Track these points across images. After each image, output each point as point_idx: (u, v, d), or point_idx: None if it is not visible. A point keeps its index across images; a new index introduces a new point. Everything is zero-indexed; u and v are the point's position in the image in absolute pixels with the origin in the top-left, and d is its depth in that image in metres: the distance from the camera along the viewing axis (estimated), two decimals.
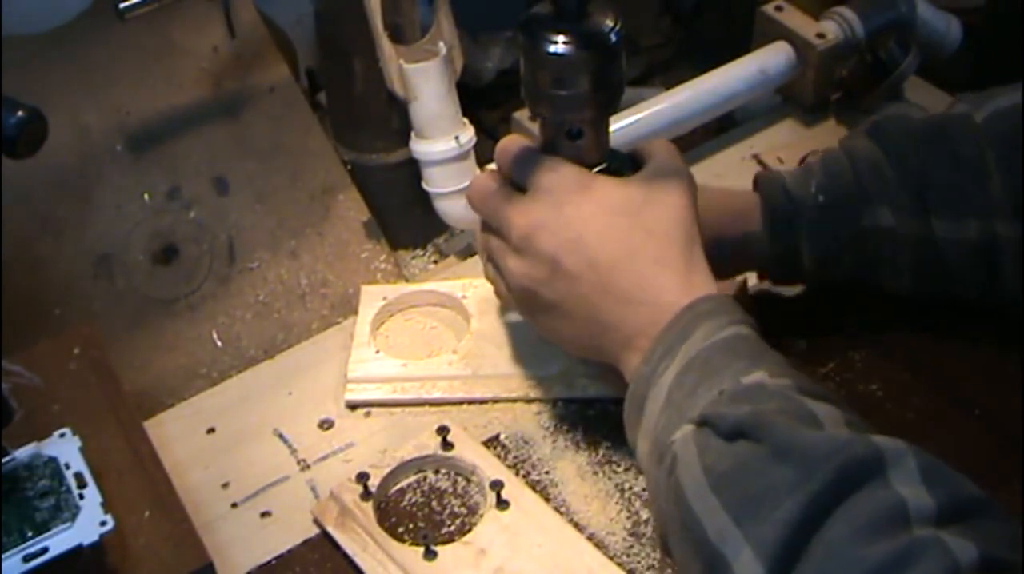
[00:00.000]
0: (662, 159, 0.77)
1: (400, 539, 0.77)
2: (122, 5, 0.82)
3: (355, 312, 0.93)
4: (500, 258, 0.77)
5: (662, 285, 0.71)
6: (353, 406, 0.87)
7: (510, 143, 0.78)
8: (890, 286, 0.85)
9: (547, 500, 0.79)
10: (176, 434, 0.86)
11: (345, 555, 0.76)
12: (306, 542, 0.78)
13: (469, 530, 0.77)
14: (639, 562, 0.75)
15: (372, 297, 0.93)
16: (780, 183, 0.85)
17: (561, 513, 0.78)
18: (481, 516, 0.78)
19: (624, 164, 0.81)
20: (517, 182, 0.76)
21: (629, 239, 0.72)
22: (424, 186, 0.96)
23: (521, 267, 0.74)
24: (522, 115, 1.04)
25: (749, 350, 0.68)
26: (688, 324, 0.69)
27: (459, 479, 0.82)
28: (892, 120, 0.86)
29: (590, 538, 0.76)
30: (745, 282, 0.88)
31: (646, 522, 0.77)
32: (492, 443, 0.84)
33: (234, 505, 0.81)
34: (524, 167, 0.75)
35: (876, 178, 0.82)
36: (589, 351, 0.76)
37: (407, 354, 0.90)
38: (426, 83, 0.91)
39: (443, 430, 0.82)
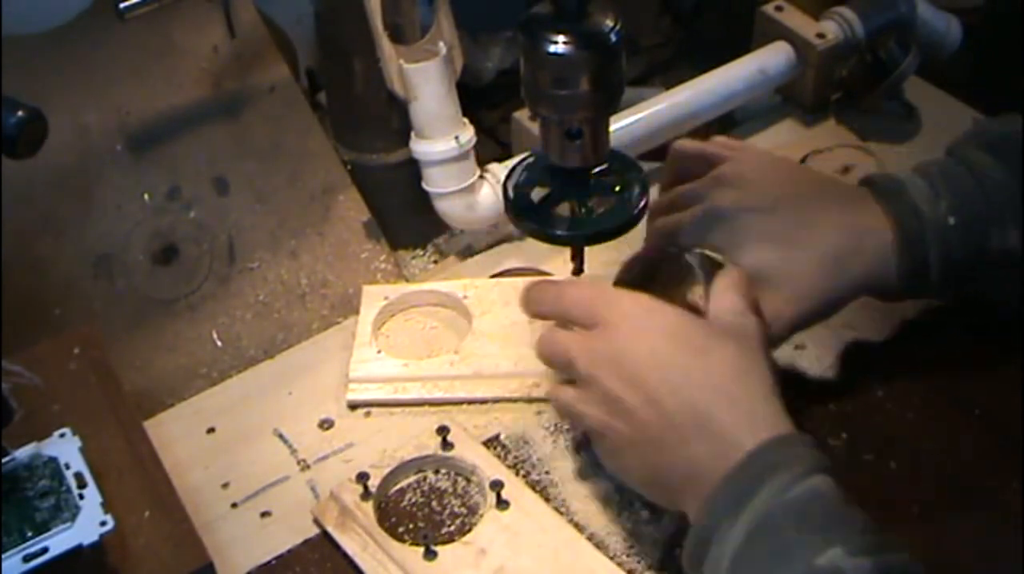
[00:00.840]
0: (731, 299, 0.72)
1: (400, 539, 0.77)
2: (122, 5, 0.82)
3: (355, 312, 0.93)
4: (570, 404, 0.73)
5: (725, 421, 0.66)
6: (354, 406, 0.87)
7: (568, 289, 0.76)
8: (1013, 308, 0.82)
9: (547, 500, 0.79)
10: (176, 434, 0.86)
11: (345, 555, 0.76)
12: (306, 542, 0.78)
13: (469, 530, 0.77)
14: (639, 562, 0.75)
15: (373, 297, 0.93)
16: (909, 202, 0.80)
17: (561, 513, 0.78)
18: (481, 516, 0.78)
19: (627, 166, 0.81)
20: (580, 323, 0.73)
21: (691, 375, 0.67)
22: (424, 186, 0.96)
23: (587, 407, 0.71)
24: (522, 115, 1.04)
25: (824, 515, 0.62)
26: (755, 477, 0.63)
27: (459, 479, 0.82)
28: (1007, 135, 0.82)
29: (590, 538, 0.76)
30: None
31: (646, 522, 0.77)
32: (492, 443, 0.84)
33: (234, 505, 0.81)
34: (584, 306, 0.72)
35: (1009, 198, 0.78)
36: (655, 491, 0.72)
37: (408, 354, 0.90)
38: (426, 83, 0.91)
39: (443, 430, 0.82)
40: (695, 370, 0.68)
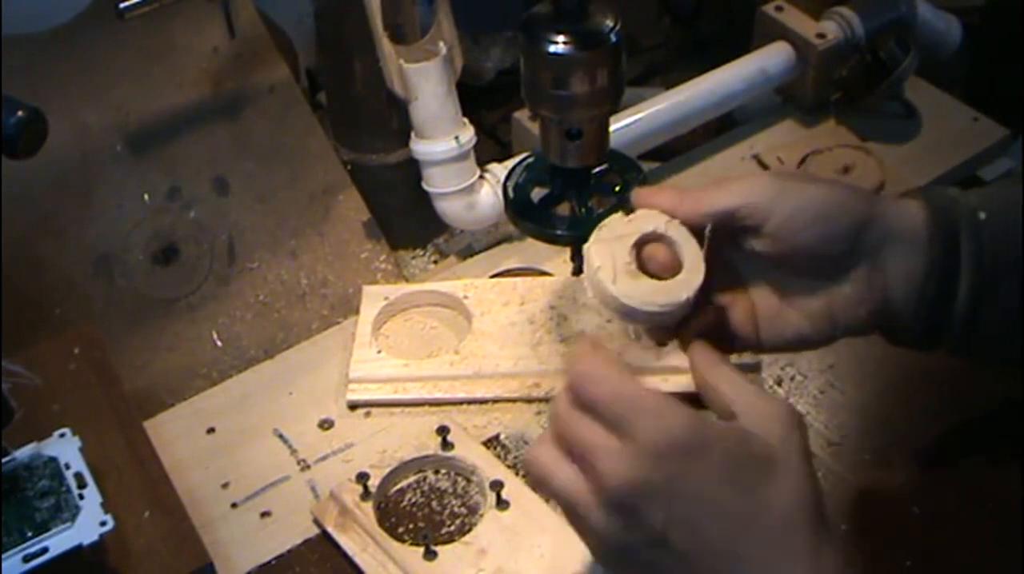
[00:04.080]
0: (774, 415, 0.62)
1: (400, 539, 0.77)
2: (122, 5, 0.82)
3: (355, 312, 0.93)
4: (579, 502, 0.61)
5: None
6: (354, 406, 0.87)
7: (595, 368, 0.61)
8: None
9: (547, 500, 0.79)
10: (176, 434, 0.86)
11: (345, 555, 0.76)
12: (306, 542, 0.78)
13: (469, 530, 0.77)
14: None
15: (374, 297, 0.93)
16: (936, 189, 0.73)
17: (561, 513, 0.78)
18: (481, 516, 0.78)
19: (627, 166, 0.81)
20: (606, 418, 0.61)
21: (748, 517, 0.59)
22: (424, 186, 0.96)
23: (612, 526, 0.60)
24: (522, 115, 1.04)
25: None
26: None
27: (459, 479, 0.82)
28: None
29: None
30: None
31: None
32: (492, 443, 0.84)
33: (234, 505, 0.81)
34: (618, 405, 0.60)
35: None
36: None
37: (408, 354, 0.90)
38: (426, 83, 0.91)
39: (443, 430, 0.82)
40: (753, 514, 0.60)
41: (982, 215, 0.70)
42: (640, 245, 0.68)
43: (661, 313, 0.67)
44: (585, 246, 0.69)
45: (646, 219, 0.69)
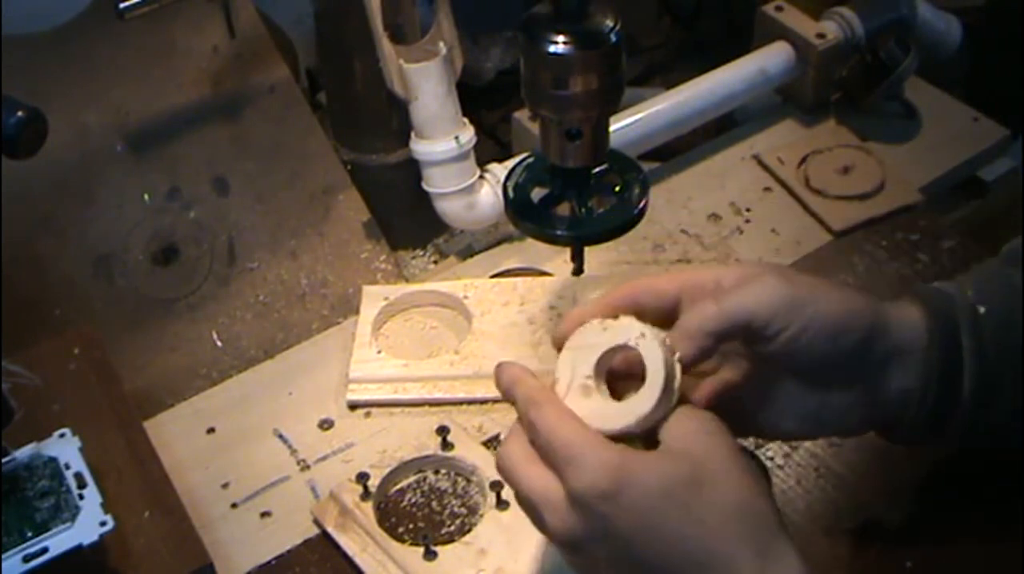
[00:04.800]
0: (692, 429, 0.62)
1: (400, 539, 0.77)
2: (122, 5, 0.82)
3: (355, 312, 0.93)
4: (542, 509, 0.62)
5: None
6: (354, 406, 0.87)
7: (533, 410, 0.63)
8: None
9: None
10: (176, 434, 0.86)
11: (345, 555, 0.76)
12: (306, 542, 0.78)
13: (469, 530, 0.77)
14: None
15: (373, 297, 0.93)
16: (929, 286, 0.71)
17: None
18: (481, 516, 0.78)
19: (627, 166, 0.81)
20: (545, 460, 0.62)
21: (688, 536, 0.59)
22: (424, 186, 0.96)
23: (568, 557, 0.64)
24: (522, 115, 1.04)
25: None
26: None
27: (459, 479, 0.82)
28: None
29: None
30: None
31: None
32: (492, 443, 0.84)
33: (234, 505, 0.81)
34: (550, 451, 0.62)
35: None
36: None
37: (408, 354, 0.90)
38: (426, 83, 0.91)
39: (443, 430, 0.82)
40: (686, 534, 0.59)
41: (982, 310, 0.69)
42: (612, 353, 0.65)
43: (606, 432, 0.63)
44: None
45: (623, 329, 0.64)
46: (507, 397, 0.66)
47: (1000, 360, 0.68)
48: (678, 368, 0.63)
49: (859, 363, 0.67)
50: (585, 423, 0.62)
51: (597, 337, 0.65)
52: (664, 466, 0.60)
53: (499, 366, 0.67)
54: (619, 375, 0.66)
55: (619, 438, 0.62)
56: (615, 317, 0.65)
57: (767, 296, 0.64)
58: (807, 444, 0.82)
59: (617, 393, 0.65)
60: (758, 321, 0.64)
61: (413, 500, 0.81)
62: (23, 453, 0.71)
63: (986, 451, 0.74)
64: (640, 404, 0.62)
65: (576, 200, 0.80)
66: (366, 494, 0.78)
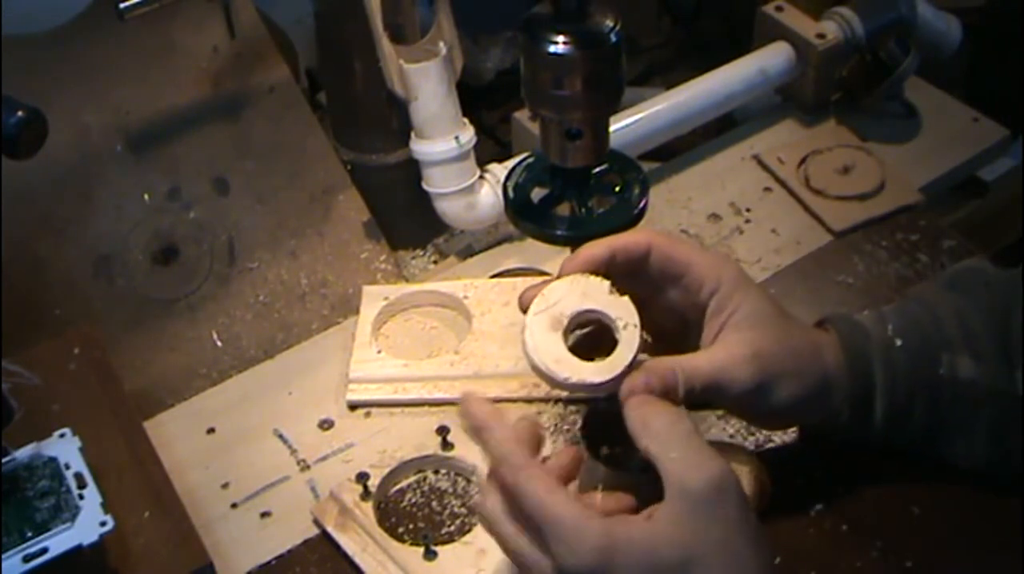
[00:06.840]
0: (691, 480, 0.62)
1: (400, 539, 0.77)
2: (122, 5, 0.82)
3: (355, 312, 0.93)
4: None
5: None
6: (354, 406, 0.87)
7: (502, 453, 0.65)
8: (960, 453, 0.76)
9: None
10: (176, 434, 0.86)
11: (345, 555, 0.76)
12: (306, 542, 0.78)
13: (469, 530, 0.77)
14: None
15: (374, 297, 0.93)
16: (852, 320, 0.76)
17: None
18: None
19: (627, 166, 0.81)
20: (530, 527, 0.63)
21: None
22: (424, 186, 0.96)
23: None
24: (522, 115, 1.04)
25: None
26: None
27: (459, 479, 0.82)
28: (970, 272, 0.79)
29: None
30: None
31: None
32: None
33: (234, 505, 0.81)
34: (537, 521, 0.62)
35: (960, 325, 0.75)
36: None
37: (408, 354, 0.90)
38: (426, 83, 0.91)
39: (443, 430, 0.82)
40: None
41: (899, 342, 0.75)
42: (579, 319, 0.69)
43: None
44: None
45: (595, 287, 0.69)
46: (474, 438, 0.67)
47: (910, 392, 0.74)
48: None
49: (821, 412, 0.75)
50: (563, 482, 0.65)
51: (571, 291, 0.69)
52: (654, 547, 0.60)
53: (465, 401, 0.68)
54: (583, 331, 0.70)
55: (576, 388, 0.66)
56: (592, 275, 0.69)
57: (734, 372, 0.69)
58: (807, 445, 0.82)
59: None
60: (726, 387, 0.70)
61: (413, 500, 0.81)
62: (23, 453, 0.71)
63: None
64: (613, 364, 0.66)
65: (576, 200, 0.80)
66: (366, 494, 0.78)
